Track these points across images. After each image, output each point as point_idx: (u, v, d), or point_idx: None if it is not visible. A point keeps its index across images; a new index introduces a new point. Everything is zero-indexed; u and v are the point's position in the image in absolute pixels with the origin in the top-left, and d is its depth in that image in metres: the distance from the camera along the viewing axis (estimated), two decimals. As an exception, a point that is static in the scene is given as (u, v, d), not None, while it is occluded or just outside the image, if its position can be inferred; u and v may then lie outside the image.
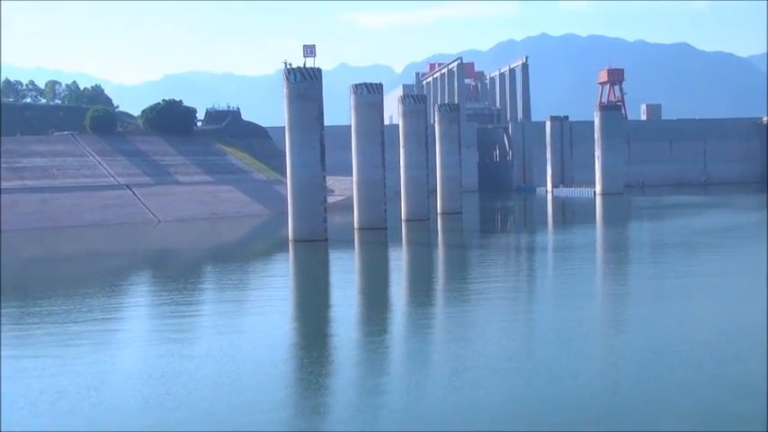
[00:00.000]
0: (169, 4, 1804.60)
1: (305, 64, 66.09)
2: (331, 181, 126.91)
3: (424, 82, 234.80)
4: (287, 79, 65.83)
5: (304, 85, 65.42)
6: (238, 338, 29.40)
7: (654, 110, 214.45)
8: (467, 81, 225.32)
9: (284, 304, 38.58)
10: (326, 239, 65.84)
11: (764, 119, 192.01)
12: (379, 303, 38.46)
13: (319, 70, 66.21)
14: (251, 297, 40.55)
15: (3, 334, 30.77)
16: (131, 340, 29.78)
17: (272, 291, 42.28)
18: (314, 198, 65.94)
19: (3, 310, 35.55)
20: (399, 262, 56.95)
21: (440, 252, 62.22)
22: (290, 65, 65.69)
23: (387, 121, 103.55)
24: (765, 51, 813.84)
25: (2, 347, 28.06)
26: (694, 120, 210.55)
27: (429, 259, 57.33)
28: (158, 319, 34.77)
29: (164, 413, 20.41)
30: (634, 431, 18.47)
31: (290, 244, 65.23)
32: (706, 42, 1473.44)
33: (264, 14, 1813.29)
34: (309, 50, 66.20)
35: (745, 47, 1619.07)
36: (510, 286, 42.50)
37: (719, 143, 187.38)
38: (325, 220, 66.56)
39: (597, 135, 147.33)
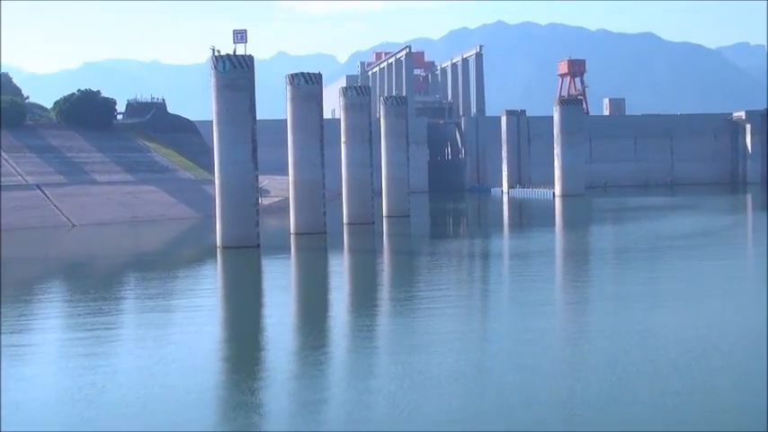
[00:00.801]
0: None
1: (235, 51, 65.01)
2: (267, 181, 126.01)
3: (370, 73, 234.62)
4: (215, 68, 64.70)
5: (234, 74, 64.40)
6: (160, 352, 28.82)
7: (617, 104, 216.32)
8: (416, 72, 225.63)
9: (208, 318, 37.53)
10: (259, 246, 64.83)
11: (735, 115, 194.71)
12: (316, 315, 37.86)
13: (251, 58, 65.24)
14: (171, 312, 39.35)
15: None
16: (41, 357, 29.03)
17: (194, 307, 41.13)
18: (245, 200, 64.92)
19: None
20: (339, 270, 56.38)
21: (384, 259, 61.74)
22: (219, 52, 64.58)
23: (329, 115, 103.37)
24: (735, 43, 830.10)
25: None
26: (661, 115, 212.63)
27: (372, 267, 56.72)
28: (70, 332, 33.83)
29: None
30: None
31: (218, 251, 64.23)
32: (673, 32, 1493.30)
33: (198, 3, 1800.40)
34: (240, 36, 65.12)
35: (714, 38, 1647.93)
36: (460, 296, 42.10)
37: (687, 141, 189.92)
38: (257, 225, 65.54)
39: (557, 131, 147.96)
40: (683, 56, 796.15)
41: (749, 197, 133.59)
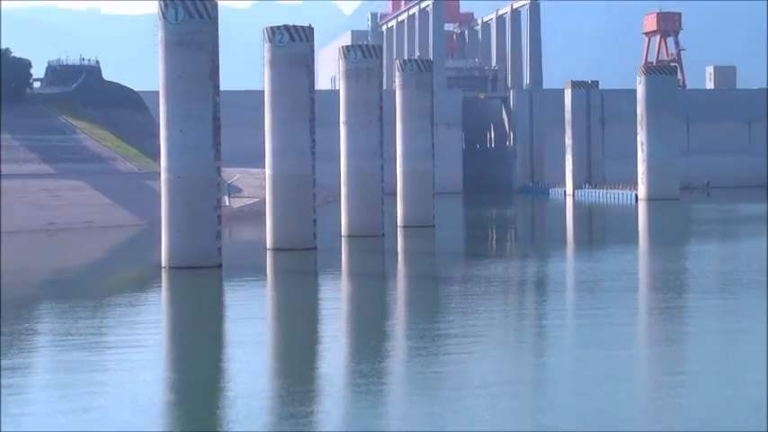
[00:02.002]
0: None
1: (190, -7, 64.09)
2: (238, 175, 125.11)
3: (384, 28, 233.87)
4: (164, 17, 63.66)
5: (190, 25, 63.24)
6: (82, 405, 28.48)
7: (725, 74, 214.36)
8: (448, 27, 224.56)
9: (145, 363, 36.41)
10: (221, 266, 63.68)
11: None
12: (291, 362, 37.66)
13: (213, 4, 64.16)
14: (97, 354, 38.36)
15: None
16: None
17: (126, 348, 39.96)
18: (201, 202, 63.69)
19: None
20: (332, 302, 55.37)
21: (397, 288, 60.78)
22: (166, -7, 63.62)
23: (328, 86, 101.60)
24: None
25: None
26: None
27: (379, 299, 55.29)
28: None
29: None
30: None
31: (164, 272, 63.03)
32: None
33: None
34: (195, -28, 64.05)
35: None
36: (501, 341, 40.66)
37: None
38: (218, 236, 64.32)
39: (641, 111, 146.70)
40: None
41: None
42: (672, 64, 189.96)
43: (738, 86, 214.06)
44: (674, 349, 39.63)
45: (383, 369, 35.57)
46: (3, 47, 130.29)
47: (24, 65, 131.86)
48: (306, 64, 76.77)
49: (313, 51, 78.27)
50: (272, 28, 77.22)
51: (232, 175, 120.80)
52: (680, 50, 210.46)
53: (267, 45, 76.86)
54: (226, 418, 29.61)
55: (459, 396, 30.48)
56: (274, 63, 76.48)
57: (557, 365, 36.48)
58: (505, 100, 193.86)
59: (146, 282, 63.29)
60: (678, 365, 36.46)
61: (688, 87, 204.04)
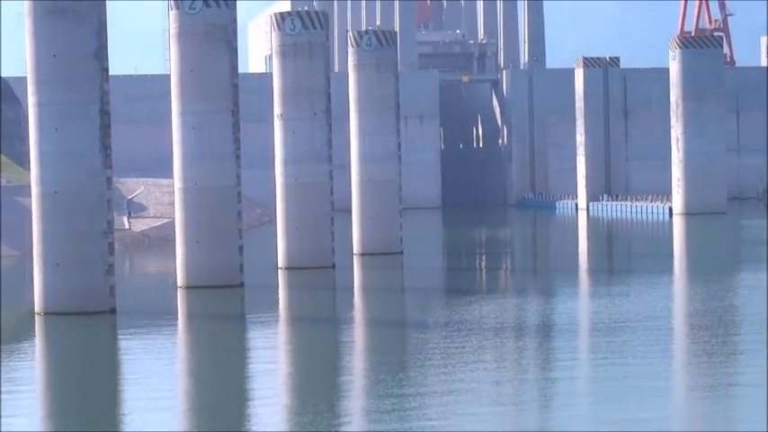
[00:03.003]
0: None
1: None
2: (141, 188, 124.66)
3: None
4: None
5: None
6: None
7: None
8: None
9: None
10: (114, 310, 62.97)
11: None
12: None
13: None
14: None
15: None
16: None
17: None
18: (86, 224, 63.07)
19: None
20: (272, 357, 54.80)
21: (354, 337, 60.46)
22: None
23: (261, 68, 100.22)
24: None
25: None
26: None
27: (324, 354, 54.75)
28: None
29: None
30: None
31: (38, 320, 62.20)
32: None
33: None
34: None
35: None
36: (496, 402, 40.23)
37: None
38: (110, 271, 63.65)
39: (675, 96, 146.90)
40: None
41: None
42: (716, 34, 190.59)
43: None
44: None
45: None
46: None
47: None
48: (226, 38, 76.22)
49: (235, 21, 77.66)
50: (175, -8, 76.78)
51: (134, 188, 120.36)
52: (727, 15, 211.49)
53: (174, 13, 76.11)
54: None
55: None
56: (183, 37, 75.88)
57: None
58: (497, 84, 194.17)
59: (12, 334, 62.37)
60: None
61: (737, 65, 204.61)
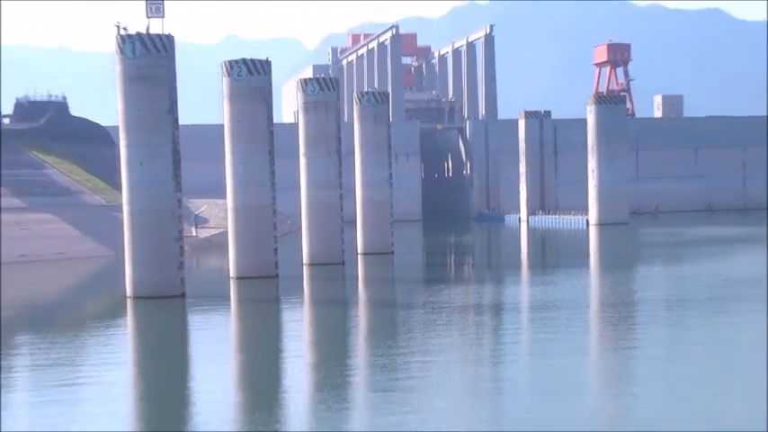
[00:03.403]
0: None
1: (149, 28, 63.25)
2: (205, 206, 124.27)
3: (344, 61, 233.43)
4: (121, 52, 62.86)
5: (147, 60, 62.56)
6: None
7: (673, 104, 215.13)
8: (406, 60, 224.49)
9: (112, 395, 35.72)
10: (184, 295, 62.95)
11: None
12: (257, 391, 37.15)
13: (170, 38, 63.45)
14: (66, 386, 37.60)
15: None
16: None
17: (91, 383, 39.23)
18: (163, 233, 63.05)
19: None
20: (297, 330, 54.79)
21: (358, 314, 59.97)
22: (125, 29, 62.69)
23: (291, 119, 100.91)
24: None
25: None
26: (730, 118, 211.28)
27: (341, 327, 54.70)
28: None
29: None
30: None
31: (129, 302, 62.17)
32: (747, 9, 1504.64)
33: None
34: (155, 8, 63.32)
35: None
36: (455, 371, 40.22)
37: (765, 152, 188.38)
38: (181, 266, 63.67)
39: (592, 139, 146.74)
40: (759, 40, 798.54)
41: None
42: (621, 93, 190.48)
43: (685, 115, 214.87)
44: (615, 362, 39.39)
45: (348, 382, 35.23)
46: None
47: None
48: (264, 97, 76.12)
49: (271, 84, 77.44)
50: (230, 62, 76.46)
51: (199, 206, 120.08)
52: (629, 80, 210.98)
53: (226, 79, 76.10)
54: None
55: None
56: (233, 96, 75.75)
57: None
58: (462, 130, 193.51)
59: (111, 312, 62.32)
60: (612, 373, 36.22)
61: (637, 116, 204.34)
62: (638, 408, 32.25)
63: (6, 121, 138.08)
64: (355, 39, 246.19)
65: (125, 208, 64.51)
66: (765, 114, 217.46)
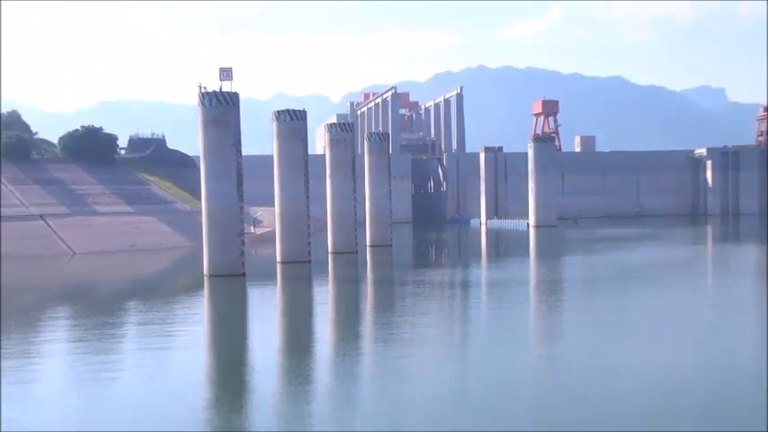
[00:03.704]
0: (104, 28, 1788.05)
1: (221, 88, 62.99)
2: (260, 212, 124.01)
3: (359, 112, 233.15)
4: (201, 104, 62.63)
5: (219, 109, 62.28)
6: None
7: (588, 142, 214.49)
8: (401, 111, 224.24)
9: (193, 343, 35.38)
10: (244, 274, 62.61)
11: (696, 152, 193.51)
12: (295, 342, 36.70)
13: (236, 95, 63.11)
14: (162, 336, 37.31)
15: None
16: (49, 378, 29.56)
17: (174, 335, 38.98)
18: (230, 230, 62.70)
19: None
20: (323, 299, 54.58)
21: (366, 288, 59.65)
22: (205, 88, 62.47)
23: (321, 152, 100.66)
24: (698, 86, 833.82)
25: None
26: (628, 152, 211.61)
27: (353, 297, 54.48)
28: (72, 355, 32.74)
29: None
30: None
31: (206, 279, 61.88)
32: (640, 76, 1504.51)
33: (206, 44, 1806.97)
34: (226, 74, 63.17)
35: (678, 81, 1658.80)
36: (433, 326, 39.94)
37: (652, 176, 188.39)
38: (242, 254, 63.37)
39: (531, 167, 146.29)
40: (648, 97, 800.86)
41: (709, 229, 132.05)
42: (551, 135, 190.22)
43: (597, 150, 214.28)
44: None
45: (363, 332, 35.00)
46: (96, 126, 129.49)
47: (112, 138, 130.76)
48: (301, 137, 76.01)
49: (306, 127, 77.23)
50: (277, 112, 76.42)
51: (256, 211, 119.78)
52: (557, 126, 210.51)
53: (274, 123, 76.03)
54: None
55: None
56: (280, 136, 75.63)
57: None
58: (440, 160, 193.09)
59: (194, 285, 61.99)
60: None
61: (563, 150, 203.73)
62: (563, 339, 32.14)
63: (123, 152, 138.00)
64: (366, 96, 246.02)
65: (203, 213, 64.24)
66: (654, 149, 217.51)
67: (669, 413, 22.99)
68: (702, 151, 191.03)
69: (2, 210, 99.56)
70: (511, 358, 31.00)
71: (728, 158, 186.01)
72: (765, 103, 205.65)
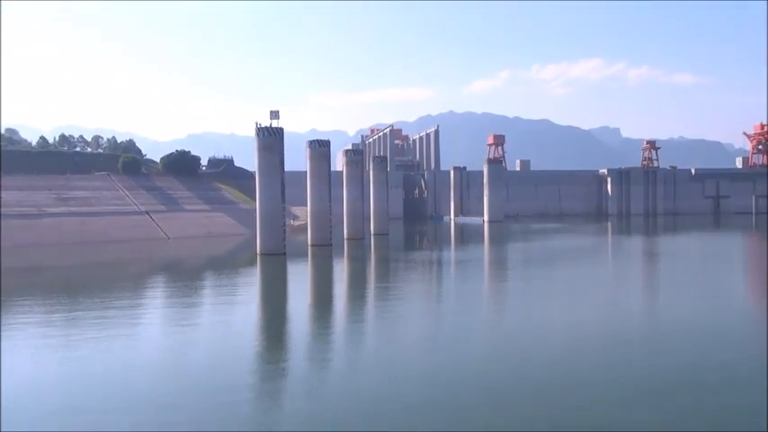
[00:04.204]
0: (193, 77, 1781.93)
1: (271, 124, 62.63)
2: (298, 210, 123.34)
3: (367, 142, 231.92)
4: (257, 135, 62.33)
5: (269, 139, 61.95)
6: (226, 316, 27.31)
7: (525, 164, 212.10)
8: (396, 142, 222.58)
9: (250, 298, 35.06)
10: (284, 253, 62.23)
11: (600, 172, 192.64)
12: (323, 301, 35.65)
13: (281, 129, 62.73)
14: (227, 295, 36.98)
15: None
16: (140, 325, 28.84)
17: (234, 297, 38.65)
18: (275, 223, 62.43)
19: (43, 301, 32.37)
20: (341, 269, 54.01)
21: (371, 262, 59.19)
22: (260, 124, 62.11)
23: (340, 169, 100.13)
24: (600, 126, 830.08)
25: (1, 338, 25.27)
26: (553, 171, 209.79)
27: (360, 267, 54.18)
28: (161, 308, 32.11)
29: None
30: None
31: (258, 257, 61.58)
32: (562, 119, 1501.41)
33: (266, 93, 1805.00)
34: (274, 114, 62.66)
35: (588, 122, 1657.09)
36: (415, 290, 39.62)
37: (570, 187, 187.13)
38: (284, 239, 62.99)
39: (485, 180, 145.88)
40: (567, 134, 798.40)
41: (609, 225, 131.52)
42: (500, 159, 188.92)
43: (531, 169, 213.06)
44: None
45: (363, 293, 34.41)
46: (186, 150, 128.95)
47: (197, 159, 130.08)
48: (326, 158, 75.34)
49: (330, 152, 76.33)
50: (309, 141, 75.65)
51: (296, 210, 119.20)
52: (504, 153, 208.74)
53: (308, 149, 75.34)
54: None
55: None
56: (311, 158, 74.92)
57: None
58: (423, 175, 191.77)
59: (251, 260, 61.52)
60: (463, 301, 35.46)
61: (508, 169, 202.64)
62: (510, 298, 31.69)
63: (204, 168, 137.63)
64: (372, 131, 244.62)
65: (258, 211, 63.87)
66: (571, 170, 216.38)
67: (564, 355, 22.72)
68: (605, 171, 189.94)
69: (121, 208, 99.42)
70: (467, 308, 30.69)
71: (622, 176, 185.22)
72: (647, 139, 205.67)
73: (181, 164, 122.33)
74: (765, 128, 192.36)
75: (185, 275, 48.67)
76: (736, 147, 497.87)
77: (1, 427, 16.11)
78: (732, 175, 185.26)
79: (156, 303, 33.61)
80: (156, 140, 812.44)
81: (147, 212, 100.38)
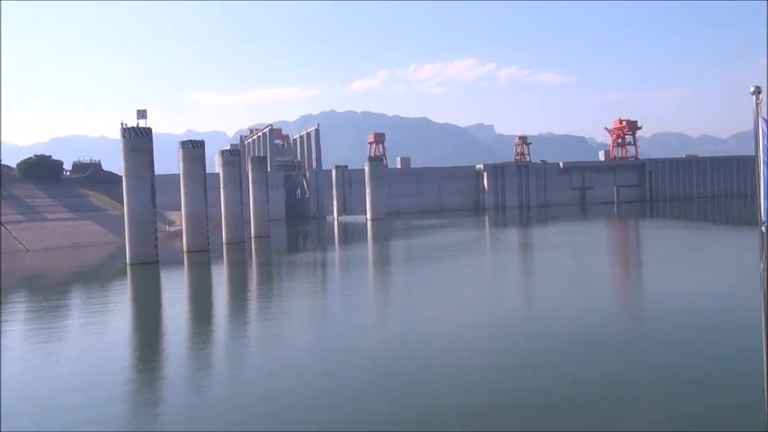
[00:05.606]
0: (57, 72, 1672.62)
1: (138, 124, 58.68)
2: (173, 214, 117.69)
3: (246, 142, 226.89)
4: (123, 136, 58.25)
5: (137, 140, 58.05)
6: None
7: (405, 161, 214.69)
8: (276, 141, 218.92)
9: (116, 314, 31.96)
10: (157, 261, 58.46)
11: (477, 167, 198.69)
12: (199, 310, 33.22)
13: (149, 129, 58.99)
14: (95, 309, 33.56)
15: None
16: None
17: (98, 311, 35.30)
18: (146, 229, 58.50)
19: None
20: (220, 277, 51.17)
21: (251, 268, 56.59)
22: (126, 125, 58.02)
23: (217, 171, 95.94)
24: (476, 123, 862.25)
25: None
26: (432, 168, 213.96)
27: (242, 274, 51.77)
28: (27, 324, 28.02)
29: None
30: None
31: (128, 267, 57.44)
32: (439, 117, 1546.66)
33: (140, 94, 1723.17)
34: (141, 114, 58.84)
35: (464, 120, 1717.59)
36: (291, 293, 38.05)
37: (449, 183, 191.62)
38: (156, 247, 59.19)
39: (367, 179, 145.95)
40: (445, 131, 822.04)
41: (486, 218, 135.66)
42: (381, 157, 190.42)
43: (412, 166, 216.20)
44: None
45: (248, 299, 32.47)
46: (46, 154, 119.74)
47: (59, 163, 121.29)
48: (200, 159, 71.98)
49: (204, 153, 72.98)
50: (182, 142, 72.13)
51: (170, 215, 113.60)
52: (384, 150, 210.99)
53: (180, 150, 71.73)
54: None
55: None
56: (184, 160, 71.33)
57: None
58: (305, 175, 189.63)
59: (120, 271, 57.42)
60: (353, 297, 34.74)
61: (389, 167, 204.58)
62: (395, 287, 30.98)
63: (68, 173, 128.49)
64: (252, 131, 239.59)
65: (126, 217, 59.72)
66: (449, 165, 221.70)
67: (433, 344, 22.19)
68: (481, 166, 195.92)
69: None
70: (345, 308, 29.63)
71: (497, 171, 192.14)
72: (519, 135, 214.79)
73: (41, 169, 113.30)
74: (623, 123, 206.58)
75: (39, 294, 44.02)
76: (599, 141, 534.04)
77: (1, 428, 15.82)
78: (596, 167, 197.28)
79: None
80: (17, 145, 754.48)
81: (1, 223, 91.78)
